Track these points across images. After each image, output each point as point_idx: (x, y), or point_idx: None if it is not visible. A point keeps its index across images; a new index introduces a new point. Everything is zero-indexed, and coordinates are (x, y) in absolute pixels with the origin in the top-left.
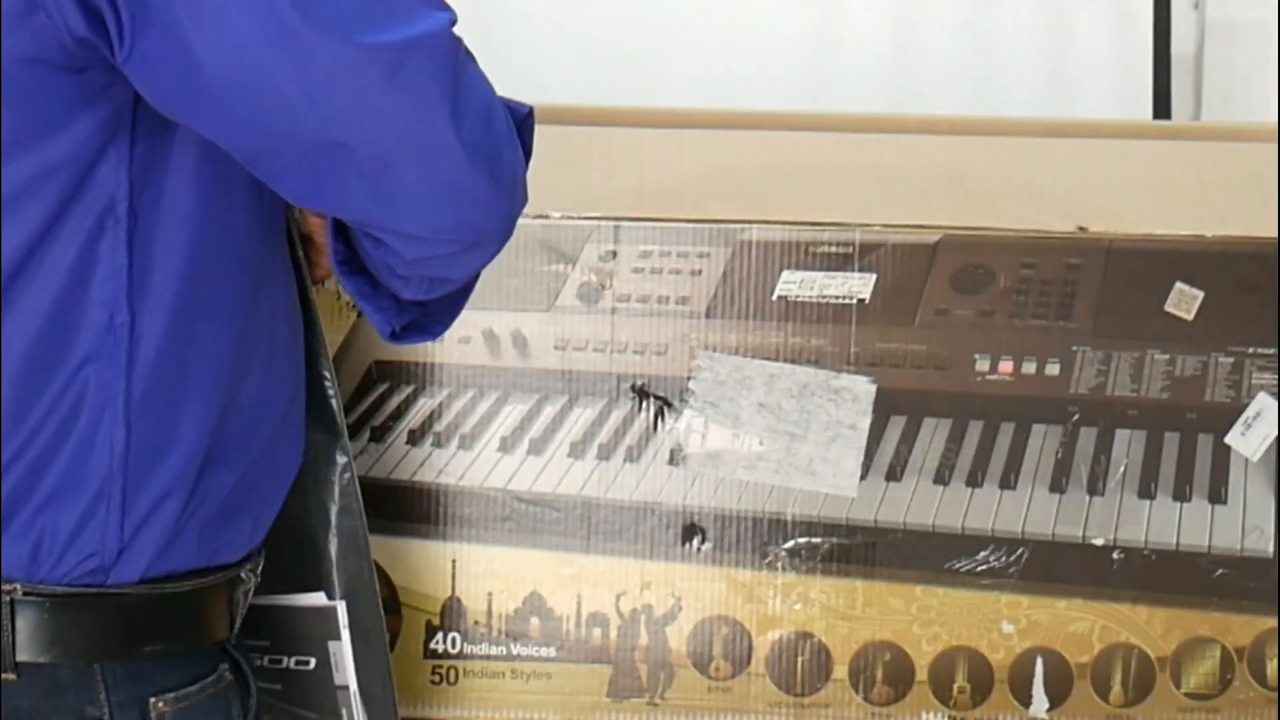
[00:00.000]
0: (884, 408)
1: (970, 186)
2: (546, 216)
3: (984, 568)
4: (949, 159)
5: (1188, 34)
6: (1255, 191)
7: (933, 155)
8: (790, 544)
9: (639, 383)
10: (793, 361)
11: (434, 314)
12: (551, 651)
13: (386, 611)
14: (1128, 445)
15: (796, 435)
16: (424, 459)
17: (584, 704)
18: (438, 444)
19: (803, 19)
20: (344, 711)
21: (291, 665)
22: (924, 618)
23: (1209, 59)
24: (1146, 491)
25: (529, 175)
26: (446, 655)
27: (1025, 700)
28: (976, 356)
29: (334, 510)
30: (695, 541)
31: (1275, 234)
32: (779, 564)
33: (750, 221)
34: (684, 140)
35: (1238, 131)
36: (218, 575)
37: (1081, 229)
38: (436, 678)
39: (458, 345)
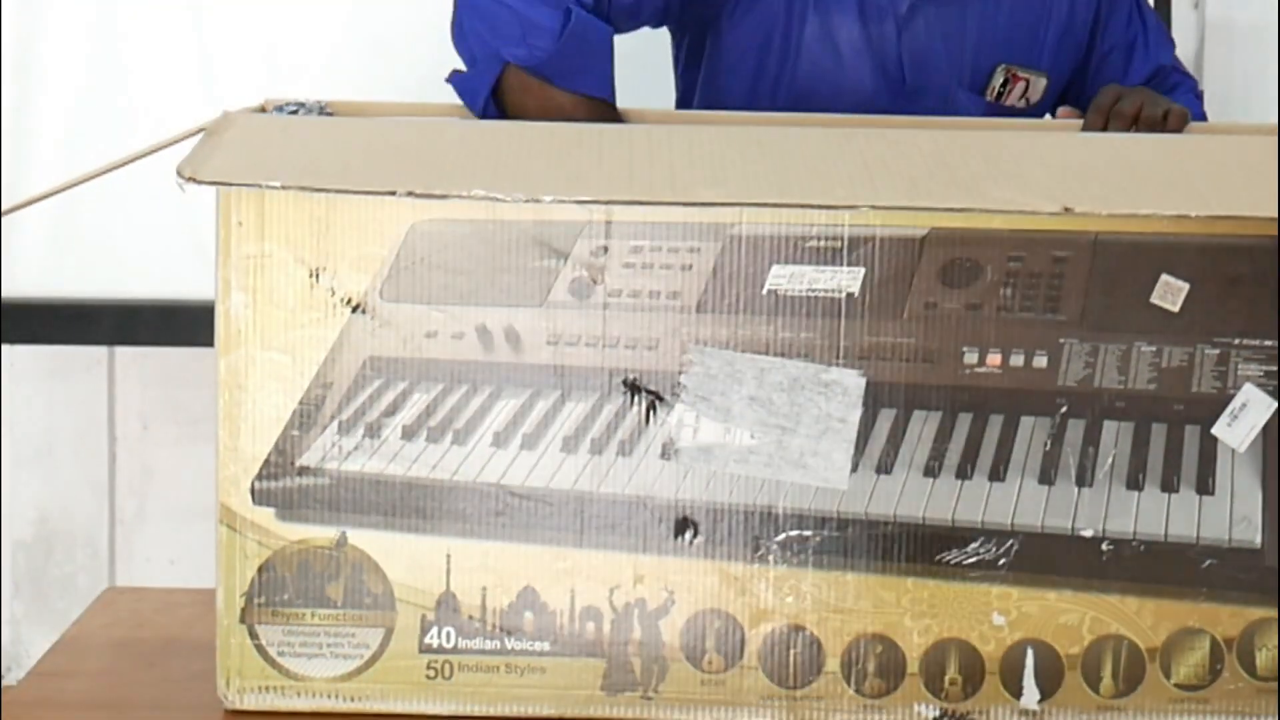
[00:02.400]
0: (874, 401)
1: (957, 174)
2: (538, 200)
3: (974, 560)
4: (937, 149)
5: (1188, 35)
6: (1238, 178)
7: (920, 146)
8: (781, 537)
9: (631, 377)
10: (783, 355)
11: None
12: (545, 646)
13: (381, 607)
14: (1115, 437)
15: (787, 429)
16: (418, 454)
17: (578, 698)
18: (431, 439)
19: None
20: None
21: None
22: (915, 610)
23: (1209, 60)
24: (1134, 483)
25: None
26: (441, 650)
27: (1016, 691)
28: (965, 349)
29: None
30: (687, 535)
31: (1266, 226)
32: (770, 557)
33: (739, 205)
34: (673, 134)
35: (1237, 132)
36: None
37: (1067, 209)
38: (431, 672)
39: (450, 341)
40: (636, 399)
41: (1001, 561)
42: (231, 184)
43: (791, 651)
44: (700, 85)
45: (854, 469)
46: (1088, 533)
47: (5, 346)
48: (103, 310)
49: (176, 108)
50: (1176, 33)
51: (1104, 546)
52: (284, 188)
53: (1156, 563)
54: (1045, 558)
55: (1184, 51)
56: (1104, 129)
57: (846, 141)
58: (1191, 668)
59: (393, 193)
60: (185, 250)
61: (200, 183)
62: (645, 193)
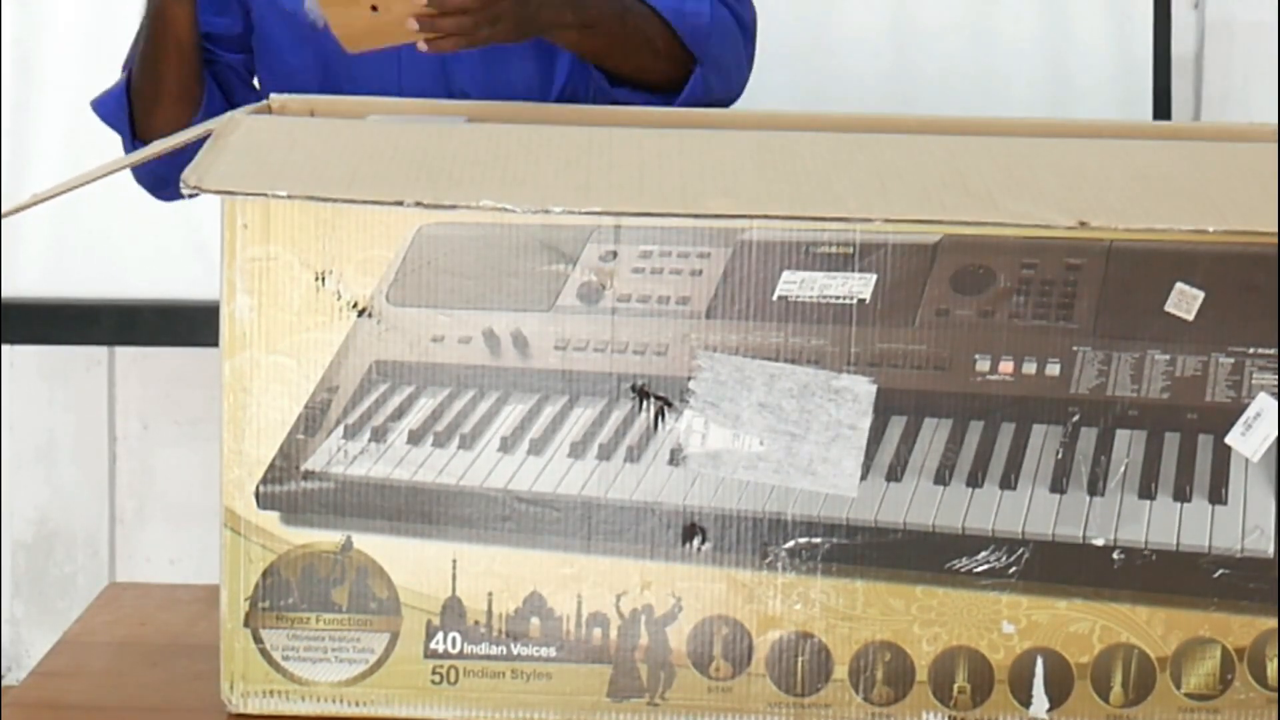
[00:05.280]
0: (884, 408)
1: (970, 184)
2: (547, 211)
3: (984, 568)
4: (949, 157)
5: (1188, 34)
6: (1255, 191)
7: (933, 154)
8: (790, 544)
9: (639, 383)
10: (793, 362)
11: None
12: (552, 651)
13: (386, 612)
14: (1128, 445)
15: (797, 435)
16: (424, 459)
17: (584, 704)
18: (438, 444)
19: (802, 19)
20: None
21: None
22: (924, 618)
23: (1209, 59)
24: (1147, 492)
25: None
26: (447, 655)
27: (1025, 700)
28: (977, 357)
29: None
30: (695, 541)
31: (1275, 234)
32: (779, 564)
33: (751, 216)
34: (683, 139)
35: (1238, 132)
36: None
37: (1082, 223)
38: (437, 677)
39: (458, 345)
40: (645, 405)
41: (1012, 570)
42: (237, 193)
43: (799, 659)
44: None
45: (864, 476)
46: (1099, 541)
47: (5, 346)
48: (103, 310)
49: None
50: (1176, 33)
51: (1115, 555)
52: (290, 197)
53: (1168, 572)
54: (1056, 566)
55: (1184, 51)
56: None
57: (858, 149)
58: (1202, 677)
59: (400, 203)
60: (185, 250)
61: (206, 191)
62: (655, 203)
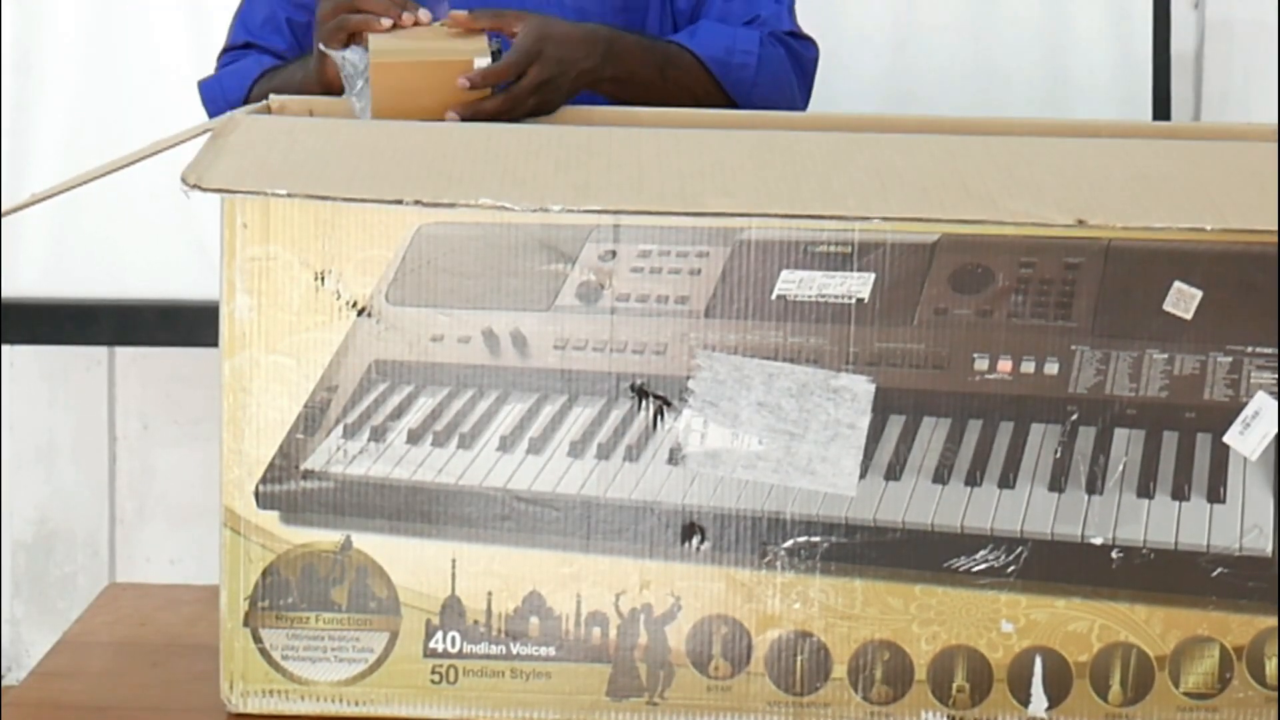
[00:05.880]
0: (883, 407)
1: (969, 183)
2: (546, 210)
3: (983, 567)
4: (948, 157)
5: (1188, 34)
6: (1254, 190)
7: (932, 153)
8: (789, 543)
9: (638, 382)
10: (792, 361)
11: None
12: (551, 651)
13: (386, 611)
14: (1126, 444)
15: (795, 434)
16: (423, 458)
17: (583, 703)
18: (437, 443)
19: (802, 19)
20: None
21: None
22: (923, 617)
23: (1209, 59)
24: (1145, 491)
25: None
26: (446, 655)
27: (1024, 699)
28: (975, 356)
29: None
30: (694, 541)
31: (1275, 233)
32: (778, 563)
33: (749, 215)
34: (682, 139)
35: (1237, 131)
36: None
37: (1081, 222)
38: (436, 677)
39: (457, 345)
40: (644, 404)
41: (1010, 569)
42: (236, 192)
43: (798, 658)
44: None
45: (862, 475)
46: (1097, 540)
47: (5, 346)
48: (103, 310)
49: (176, 108)
50: (1176, 32)
51: (1114, 554)
52: (290, 196)
53: (1166, 571)
54: (1054, 565)
55: (1184, 51)
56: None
57: (857, 149)
58: (1201, 676)
59: (400, 202)
60: (185, 250)
61: (205, 190)
62: (654, 202)
